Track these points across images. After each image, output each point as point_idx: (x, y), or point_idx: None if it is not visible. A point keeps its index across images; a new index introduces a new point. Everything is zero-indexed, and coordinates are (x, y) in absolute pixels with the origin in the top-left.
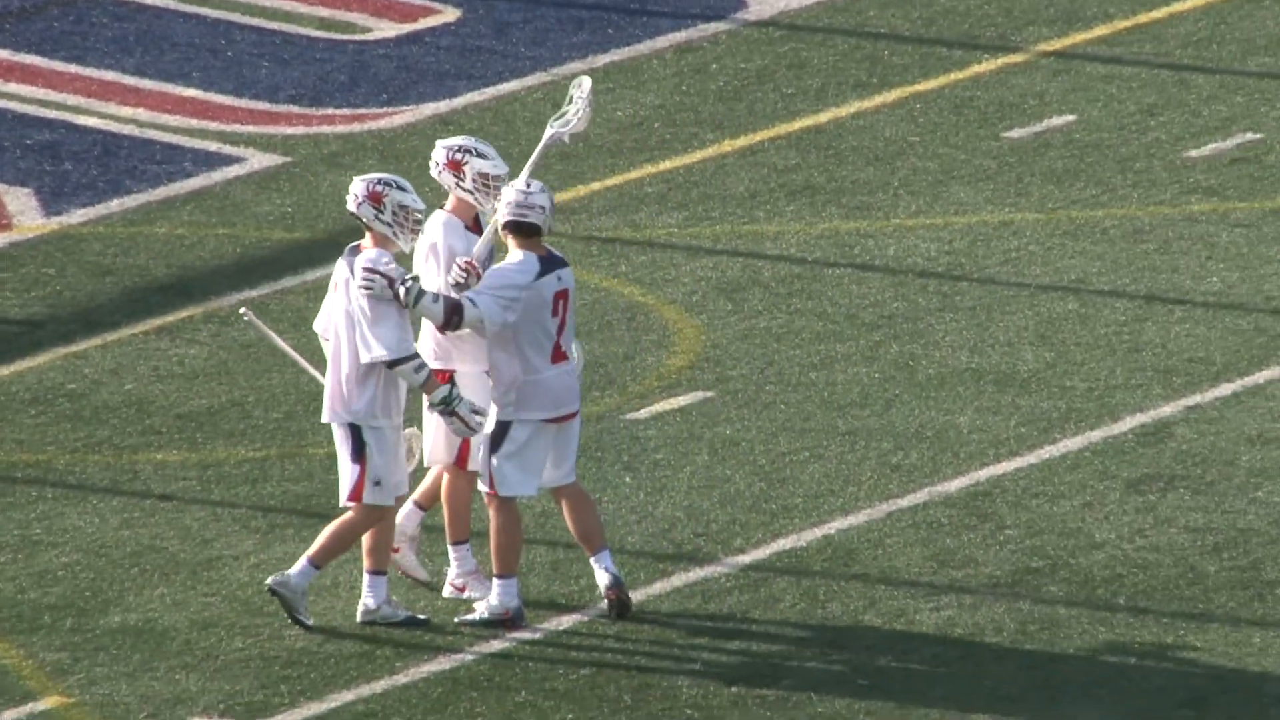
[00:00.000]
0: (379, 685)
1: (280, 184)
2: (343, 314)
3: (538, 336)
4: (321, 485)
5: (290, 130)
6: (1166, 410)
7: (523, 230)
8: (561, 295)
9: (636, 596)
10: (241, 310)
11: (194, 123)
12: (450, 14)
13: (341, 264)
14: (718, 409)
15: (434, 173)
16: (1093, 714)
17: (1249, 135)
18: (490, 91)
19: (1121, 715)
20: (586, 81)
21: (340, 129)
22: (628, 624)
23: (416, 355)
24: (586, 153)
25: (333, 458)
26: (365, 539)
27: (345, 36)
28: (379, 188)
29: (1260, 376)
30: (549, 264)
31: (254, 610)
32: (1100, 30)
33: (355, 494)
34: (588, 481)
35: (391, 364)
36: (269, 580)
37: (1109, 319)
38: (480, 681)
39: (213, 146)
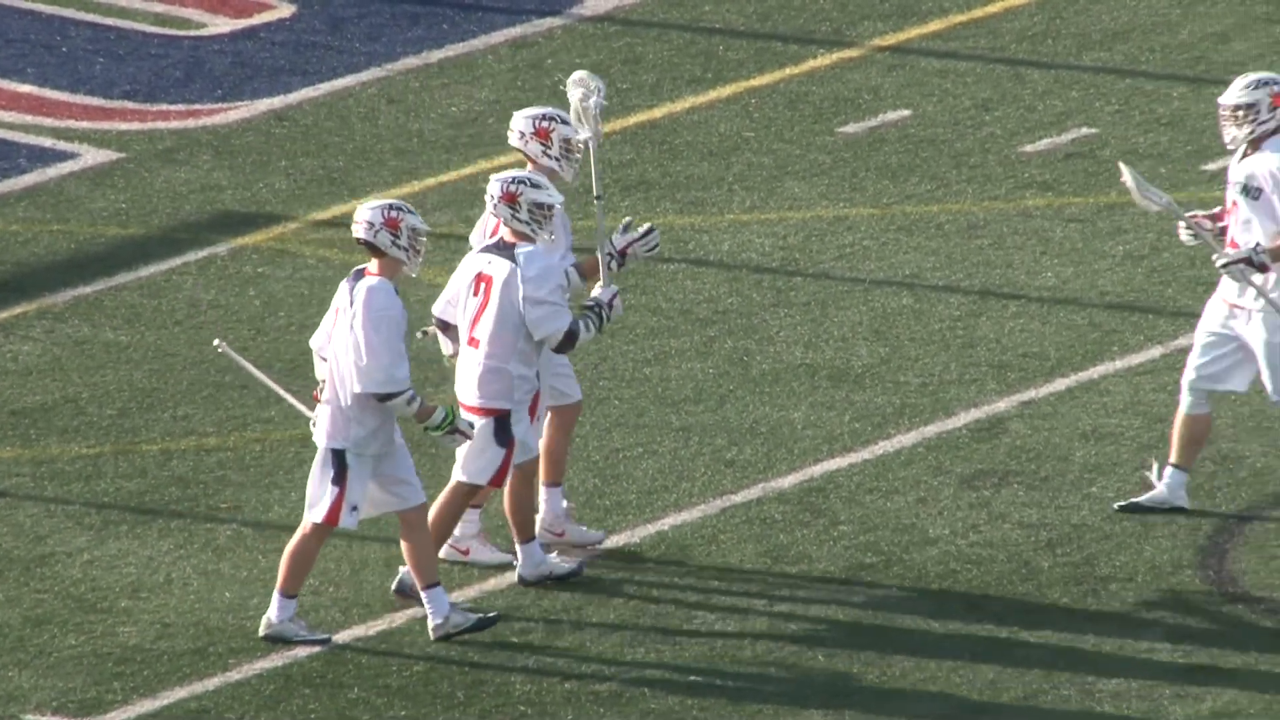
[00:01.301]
0: (212, 682)
1: (115, 180)
2: (340, 340)
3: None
4: (155, 481)
5: (125, 126)
6: (1001, 406)
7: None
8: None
9: (469, 593)
10: (215, 342)
11: (28, 118)
12: (285, 10)
13: (344, 288)
14: None
15: (517, 142)
16: (926, 709)
17: (1084, 130)
18: (325, 87)
19: (955, 710)
20: (573, 87)
21: (175, 125)
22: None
23: (408, 388)
24: (421, 148)
25: (167, 453)
26: (406, 553)
27: (180, 32)
28: (393, 214)
29: (1094, 372)
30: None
31: (87, 607)
32: (935, 25)
33: (332, 516)
34: (424, 480)
35: (383, 398)
36: (260, 633)
37: (943, 314)
38: (313, 678)
39: (47, 142)
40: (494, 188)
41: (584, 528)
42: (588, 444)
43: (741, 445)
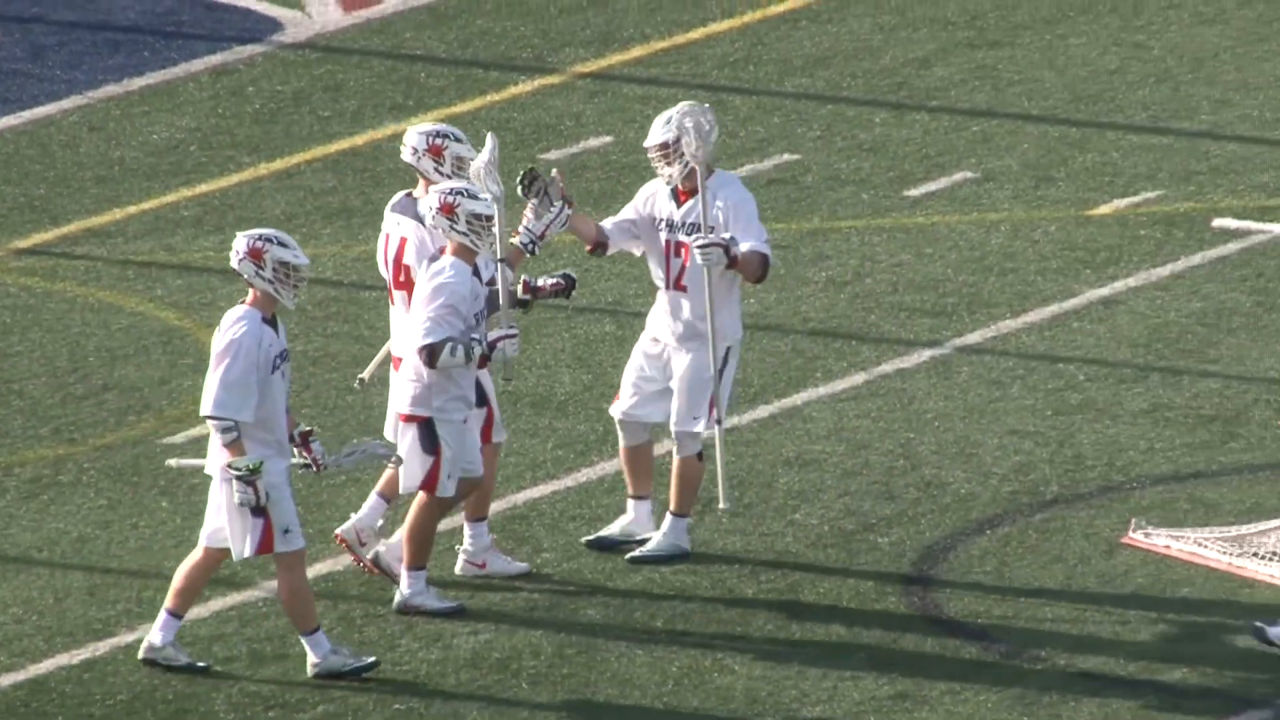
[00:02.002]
0: None
1: None
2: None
3: None
4: None
5: None
6: (705, 432)
7: None
8: None
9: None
10: (169, 462)
11: None
12: None
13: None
14: None
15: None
16: None
17: (786, 156)
18: (26, 115)
19: None
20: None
21: None
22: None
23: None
24: (122, 176)
25: None
26: (178, 578)
27: None
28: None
29: (798, 398)
30: None
31: None
32: (637, 51)
33: (265, 546)
34: (124, 507)
35: (209, 417)
36: (309, 673)
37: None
38: (17, 707)
39: None
40: (431, 199)
41: (508, 559)
42: (293, 472)
43: None
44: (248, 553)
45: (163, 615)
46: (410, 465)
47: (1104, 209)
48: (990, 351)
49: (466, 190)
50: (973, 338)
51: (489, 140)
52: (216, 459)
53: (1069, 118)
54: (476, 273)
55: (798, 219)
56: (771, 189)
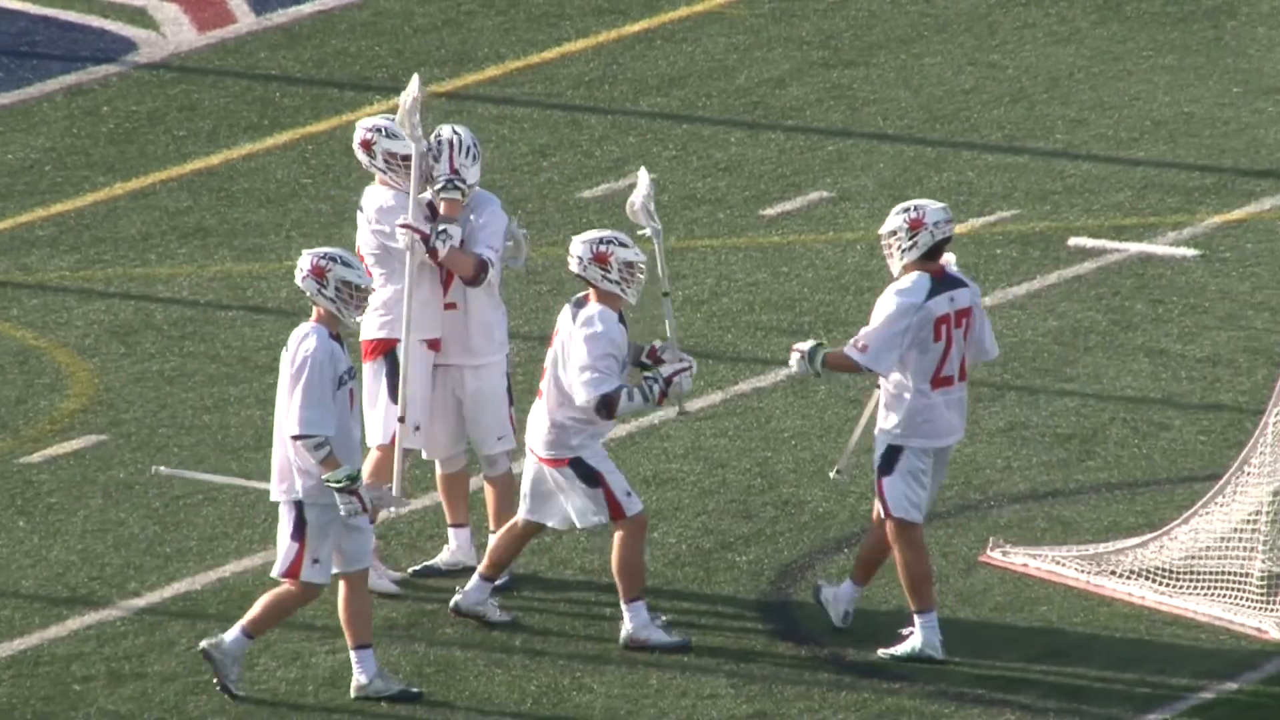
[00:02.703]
0: None
1: None
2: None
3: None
4: None
5: None
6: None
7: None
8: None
9: (32, 641)
10: (154, 469)
11: None
12: None
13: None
14: (111, 452)
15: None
16: None
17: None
18: None
19: None
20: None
21: None
22: (23, 667)
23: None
24: None
25: None
26: (342, 613)
27: None
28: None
29: (655, 417)
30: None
31: None
32: (492, 71)
33: (293, 570)
34: None
35: (297, 437)
36: (202, 643)
37: (510, 359)
38: None
39: None
40: (581, 249)
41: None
42: (148, 491)
43: None
44: (277, 572)
45: (352, 654)
46: (585, 504)
47: (960, 228)
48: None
49: (618, 239)
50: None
51: (643, 176)
52: (277, 485)
53: (924, 137)
54: (623, 319)
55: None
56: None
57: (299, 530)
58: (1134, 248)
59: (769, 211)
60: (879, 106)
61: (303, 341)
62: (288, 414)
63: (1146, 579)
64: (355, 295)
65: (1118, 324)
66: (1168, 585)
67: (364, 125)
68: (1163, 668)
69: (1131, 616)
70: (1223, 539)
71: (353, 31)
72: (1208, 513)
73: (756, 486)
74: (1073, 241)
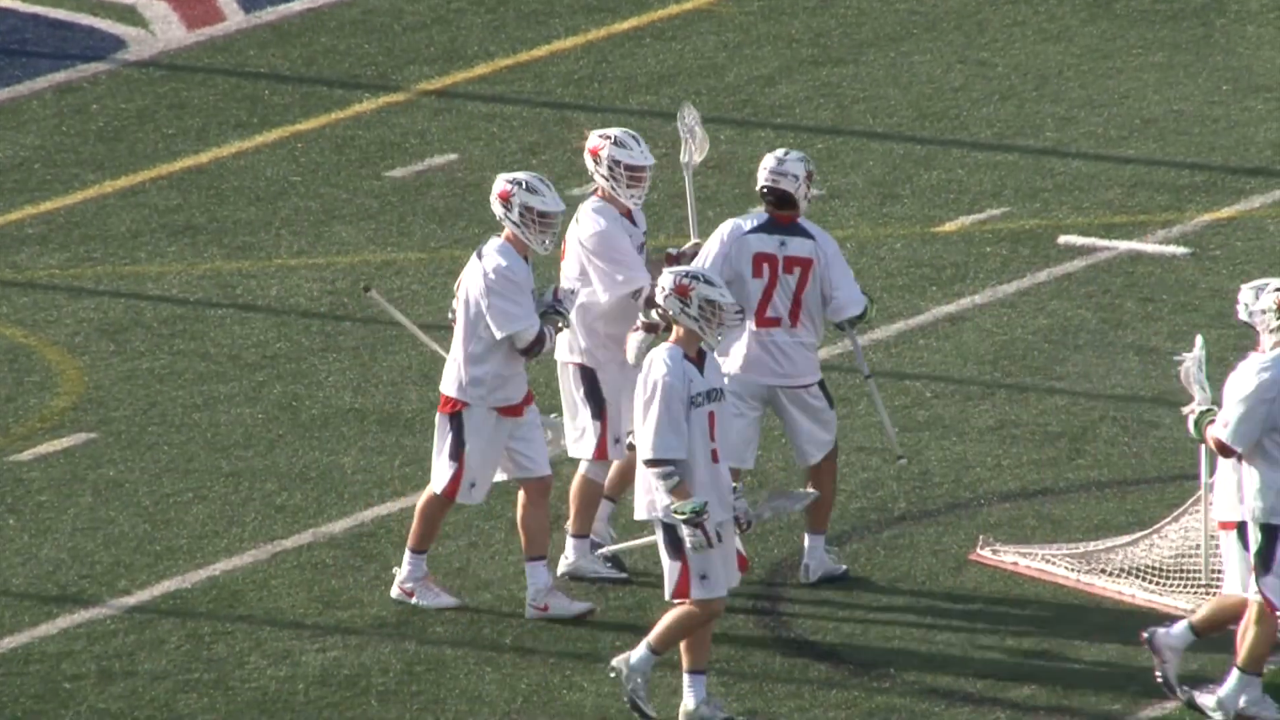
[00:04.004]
0: None
1: None
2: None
3: None
4: None
5: None
6: (551, 450)
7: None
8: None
9: (22, 639)
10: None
11: None
12: None
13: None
14: (101, 450)
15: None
16: None
17: None
18: None
19: None
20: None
21: None
22: (13, 666)
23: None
24: None
25: None
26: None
27: None
28: (686, 281)
29: None
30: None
31: None
32: (481, 69)
33: (680, 590)
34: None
35: (652, 463)
36: (613, 662)
37: None
38: None
39: None
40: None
41: (568, 600)
42: (138, 489)
43: (292, 490)
44: (666, 595)
45: (685, 678)
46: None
47: (949, 226)
48: (837, 368)
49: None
50: (819, 354)
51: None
52: (642, 499)
53: (914, 135)
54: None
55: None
56: None
57: (676, 549)
58: (1124, 245)
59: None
60: (868, 104)
61: (653, 366)
62: (640, 437)
63: (1137, 577)
64: (718, 314)
65: (1107, 322)
66: (1158, 584)
67: (504, 177)
68: (1150, 667)
69: (1122, 615)
70: (1213, 537)
71: (342, 29)
72: (1198, 510)
73: (748, 485)
74: (1062, 239)
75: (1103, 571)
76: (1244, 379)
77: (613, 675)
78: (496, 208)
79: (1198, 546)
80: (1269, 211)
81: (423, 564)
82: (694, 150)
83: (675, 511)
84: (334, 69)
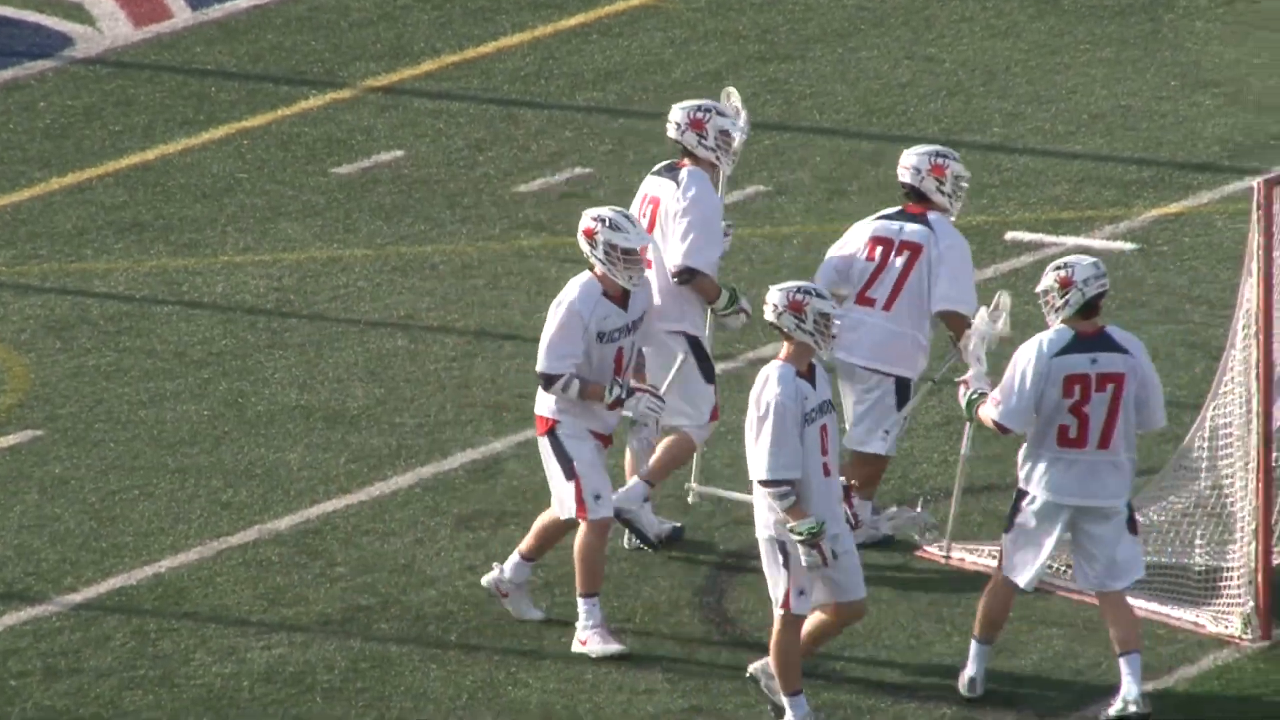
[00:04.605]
0: None
1: None
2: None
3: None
4: None
5: None
6: (497, 446)
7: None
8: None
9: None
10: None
11: None
12: None
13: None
14: (47, 447)
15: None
16: None
17: (578, 170)
18: None
19: None
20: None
21: None
22: None
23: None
24: None
25: None
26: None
27: None
28: (799, 296)
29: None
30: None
31: None
32: (428, 66)
33: (783, 603)
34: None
35: (767, 484)
36: (750, 668)
37: (439, 355)
38: None
39: None
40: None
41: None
42: (84, 486)
43: (238, 487)
44: (776, 608)
45: (784, 700)
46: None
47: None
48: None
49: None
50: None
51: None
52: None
53: (861, 131)
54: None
55: None
56: (564, 203)
57: (785, 562)
58: (1071, 241)
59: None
60: (815, 100)
61: (766, 384)
62: (753, 457)
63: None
64: (831, 326)
65: None
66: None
67: (589, 214)
68: (1100, 662)
69: (1069, 611)
70: (1160, 533)
71: (288, 26)
72: (1145, 508)
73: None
74: (1010, 235)
75: (1050, 568)
76: (1020, 358)
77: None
78: (582, 244)
79: (1145, 542)
80: (1217, 207)
81: (596, 605)
82: (738, 136)
83: (792, 531)
84: (280, 66)
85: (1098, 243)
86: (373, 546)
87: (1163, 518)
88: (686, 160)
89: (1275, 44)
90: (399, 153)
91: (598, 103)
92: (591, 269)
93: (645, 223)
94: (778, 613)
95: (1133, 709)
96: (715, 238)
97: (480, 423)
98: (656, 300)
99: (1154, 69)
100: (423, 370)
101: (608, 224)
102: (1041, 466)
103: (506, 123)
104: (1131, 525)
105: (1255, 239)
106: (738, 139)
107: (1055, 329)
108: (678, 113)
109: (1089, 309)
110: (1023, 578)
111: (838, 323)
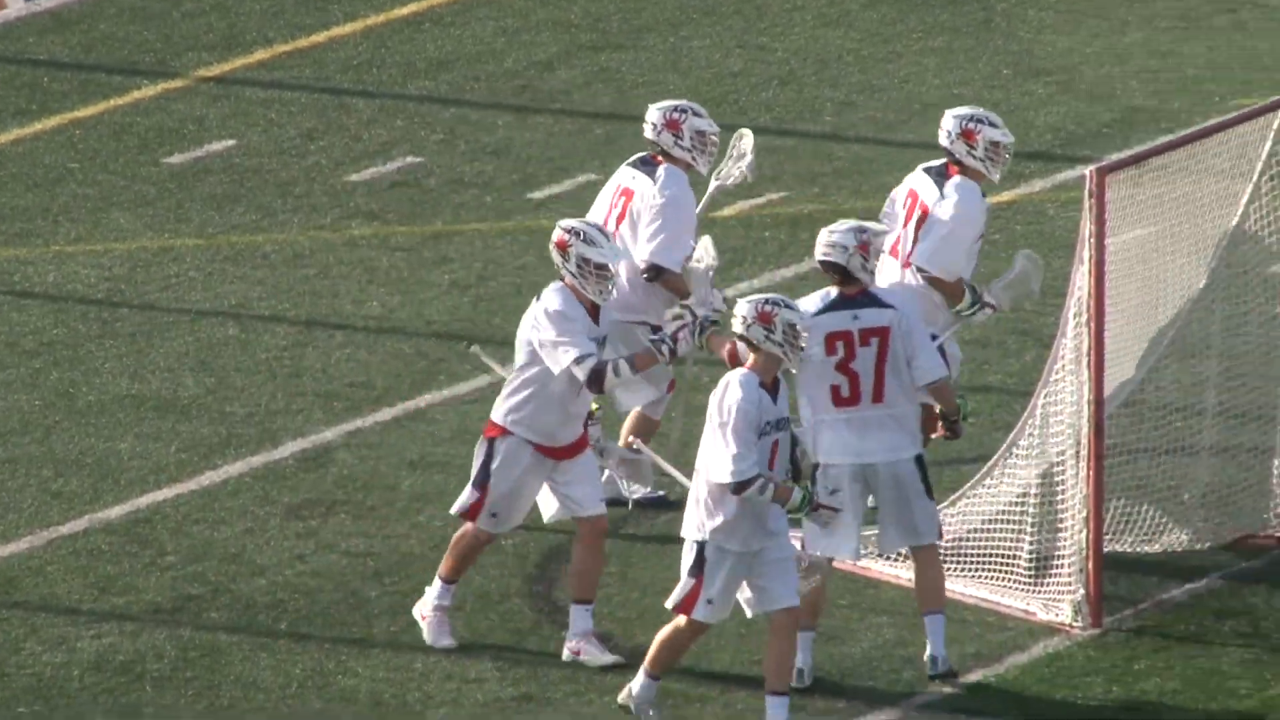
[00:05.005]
0: None
1: None
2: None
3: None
4: None
5: None
6: (328, 435)
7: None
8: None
9: None
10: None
11: None
12: None
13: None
14: None
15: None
16: None
17: (409, 159)
18: None
19: None
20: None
21: None
22: None
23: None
24: None
25: None
26: (768, 657)
27: None
28: (768, 307)
29: (421, 401)
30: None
31: None
32: (260, 55)
33: (685, 606)
34: None
35: (739, 487)
36: (619, 699)
37: (269, 344)
38: None
39: None
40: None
41: (601, 648)
42: None
43: (68, 476)
44: (669, 604)
45: (770, 699)
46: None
47: (728, 210)
48: None
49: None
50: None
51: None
52: (688, 521)
53: None
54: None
55: (421, 222)
56: (395, 192)
57: (697, 567)
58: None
59: (537, 195)
60: (648, 89)
61: (728, 390)
62: (714, 461)
63: (909, 559)
64: (799, 337)
65: None
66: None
67: (562, 225)
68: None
69: (899, 599)
70: (990, 521)
71: (121, 16)
72: (975, 495)
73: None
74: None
75: (881, 556)
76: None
77: (623, 709)
78: (554, 256)
79: (975, 530)
80: (1049, 195)
81: (450, 592)
82: (734, 173)
83: (789, 511)
84: (113, 56)
85: None
86: (203, 535)
87: (994, 505)
88: (662, 157)
89: (1106, 33)
90: (231, 142)
91: (430, 92)
92: (562, 279)
93: (615, 213)
94: (668, 604)
95: (941, 668)
96: (686, 237)
97: (311, 412)
98: (621, 289)
99: (986, 57)
100: (253, 359)
101: (582, 237)
102: (826, 434)
103: (338, 112)
104: (926, 487)
105: (1087, 227)
106: (735, 179)
107: (820, 292)
108: (654, 113)
109: (834, 269)
110: (843, 549)
111: (805, 334)
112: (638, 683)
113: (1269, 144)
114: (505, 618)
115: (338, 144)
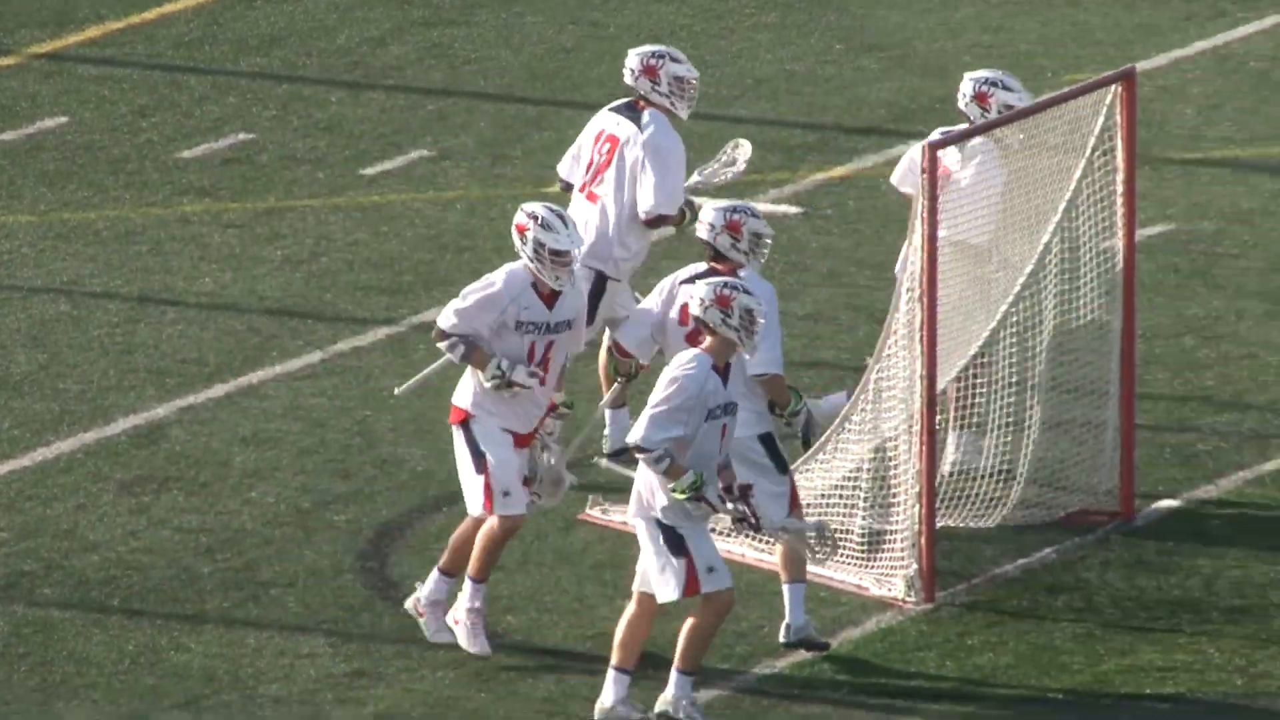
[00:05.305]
0: None
1: None
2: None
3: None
4: None
5: None
6: (160, 411)
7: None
8: None
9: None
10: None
11: None
12: None
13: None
14: None
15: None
16: (85, 716)
17: (241, 136)
18: None
19: (114, 717)
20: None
21: None
22: None
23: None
24: None
25: None
26: (620, 634)
27: None
28: (726, 290)
29: (254, 377)
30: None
31: None
32: (92, 32)
33: (691, 588)
34: None
35: (639, 450)
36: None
37: (102, 320)
38: None
39: None
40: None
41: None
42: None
43: None
44: (674, 595)
45: (611, 673)
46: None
47: (559, 187)
48: None
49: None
50: (429, 315)
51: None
52: (635, 505)
53: (525, 96)
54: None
55: (253, 198)
56: (227, 168)
57: (676, 548)
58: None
59: (369, 171)
60: (480, 65)
61: (680, 365)
62: (636, 424)
63: (746, 536)
64: (756, 322)
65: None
66: (768, 542)
67: (524, 209)
68: (762, 625)
69: (732, 574)
70: (823, 496)
71: None
72: (808, 470)
73: (356, 445)
74: None
75: (714, 530)
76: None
77: (662, 716)
78: (514, 238)
79: (808, 505)
80: (882, 171)
81: (481, 592)
82: (719, 176)
83: (674, 491)
84: None
85: (763, 206)
86: (35, 511)
87: (826, 481)
88: (644, 102)
89: (939, 8)
90: (63, 119)
91: (262, 69)
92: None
93: (601, 160)
94: (671, 597)
95: (793, 637)
96: (679, 180)
97: (143, 388)
98: (590, 237)
99: (818, 33)
100: (86, 336)
101: (539, 222)
102: None
103: (170, 89)
104: (779, 463)
105: (919, 202)
106: (718, 181)
107: (697, 264)
108: (632, 58)
109: (710, 250)
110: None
111: (761, 321)
112: (672, 683)
113: (1101, 119)
114: (338, 594)
115: (170, 120)
